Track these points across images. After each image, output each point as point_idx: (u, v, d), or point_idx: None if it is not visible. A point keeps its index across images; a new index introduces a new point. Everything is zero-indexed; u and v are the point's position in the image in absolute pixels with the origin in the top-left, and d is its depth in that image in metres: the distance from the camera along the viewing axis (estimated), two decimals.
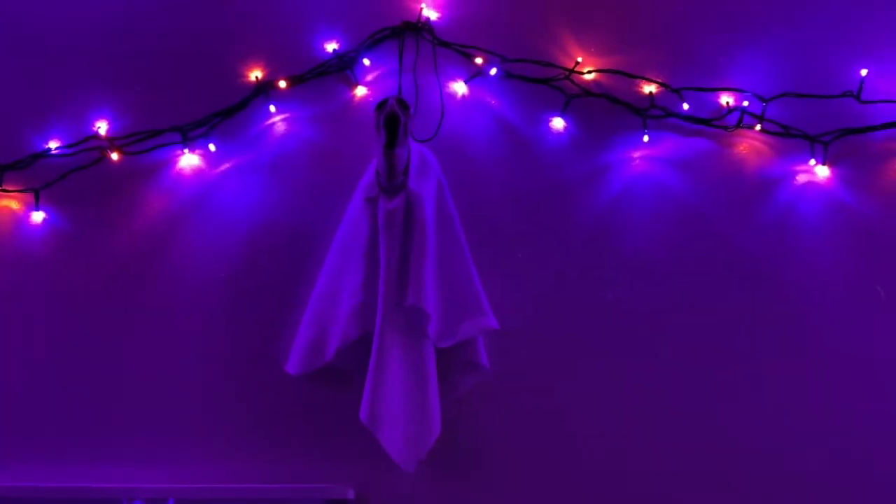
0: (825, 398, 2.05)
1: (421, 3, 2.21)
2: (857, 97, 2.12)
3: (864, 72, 2.12)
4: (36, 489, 2.03)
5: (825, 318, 2.09)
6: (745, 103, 2.15)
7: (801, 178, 2.15)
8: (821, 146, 2.13)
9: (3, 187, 2.19)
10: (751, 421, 2.05)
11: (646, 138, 2.15)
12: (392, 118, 1.98)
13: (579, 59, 2.18)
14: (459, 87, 2.20)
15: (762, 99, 2.14)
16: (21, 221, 2.20)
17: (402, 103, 2.02)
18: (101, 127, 2.21)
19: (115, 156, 2.20)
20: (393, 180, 2.01)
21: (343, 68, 2.21)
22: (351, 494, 2.02)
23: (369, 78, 2.22)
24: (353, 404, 1.95)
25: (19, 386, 2.13)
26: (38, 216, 2.19)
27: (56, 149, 2.19)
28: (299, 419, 2.07)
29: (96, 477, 2.07)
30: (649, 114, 2.15)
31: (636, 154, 2.16)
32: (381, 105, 2.02)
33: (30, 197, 2.19)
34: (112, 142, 2.19)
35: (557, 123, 2.17)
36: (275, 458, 2.05)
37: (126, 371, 2.12)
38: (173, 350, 2.13)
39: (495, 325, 2.01)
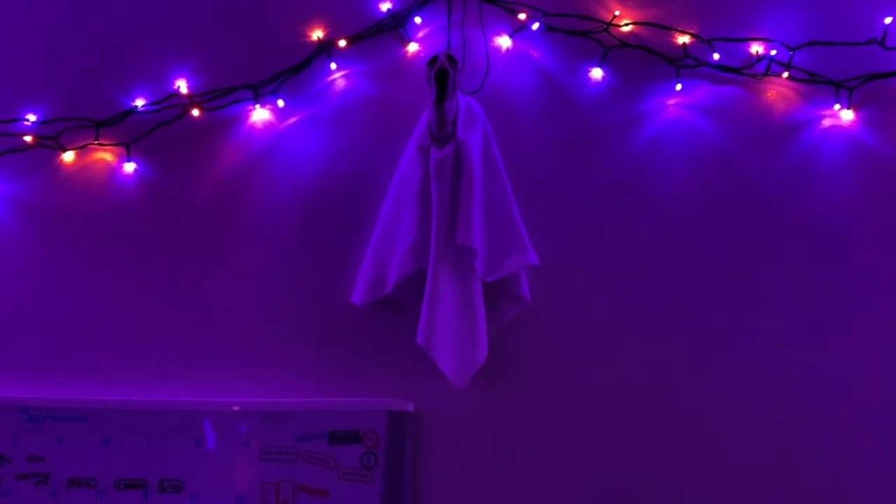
0: (847, 332, 2.12)
1: None
2: (882, 44, 2.14)
3: (888, 20, 2.14)
4: (130, 402, 2.18)
5: (847, 254, 2.15)
6: (773, 52, 2.18)
7: (826, 122, 2.19)
8: (846, 91, 2.17)
9: (100, 141, 2.31)
10: (768, 351, 2.12)
11: (679, 87, 2.21)
12: (442, 73, 2.04)
13: (617, 13, 2.23)
14: (504, 42, 2.26)
15: (789, 47, 2.17)
16: (115, 171, 2.33)
17: (451, 59, 2.08)
18: (182, 86, 2.29)
19: (195, 111, 2.29)
20: (443, 130, 2.08)
21: (396, 26, 2.27)
22: (411, 407, 2.15)
23: (420, 35, 2.28)
24: (410, 330, 2.06)
25: (114, 315, 2.27)
26: (129, 167, 2.31)
27: (143, 106, 2.30)
28: (364, 344, 2.19)
29: (187, 392, 2.20)
30: (682, 63, 2.20)
31: (670, 101, 2.23)
32: (432, 61, 2.09)
33: (122, 150, 2.31)
34: (192, 99, 2.30)
35: (596, 73, 2.24)
36: (345, 377, 2.19)
37: (210, 303, 2.25)
38: (252, 284, 2.25)
39: (536, 261, 2.09)
